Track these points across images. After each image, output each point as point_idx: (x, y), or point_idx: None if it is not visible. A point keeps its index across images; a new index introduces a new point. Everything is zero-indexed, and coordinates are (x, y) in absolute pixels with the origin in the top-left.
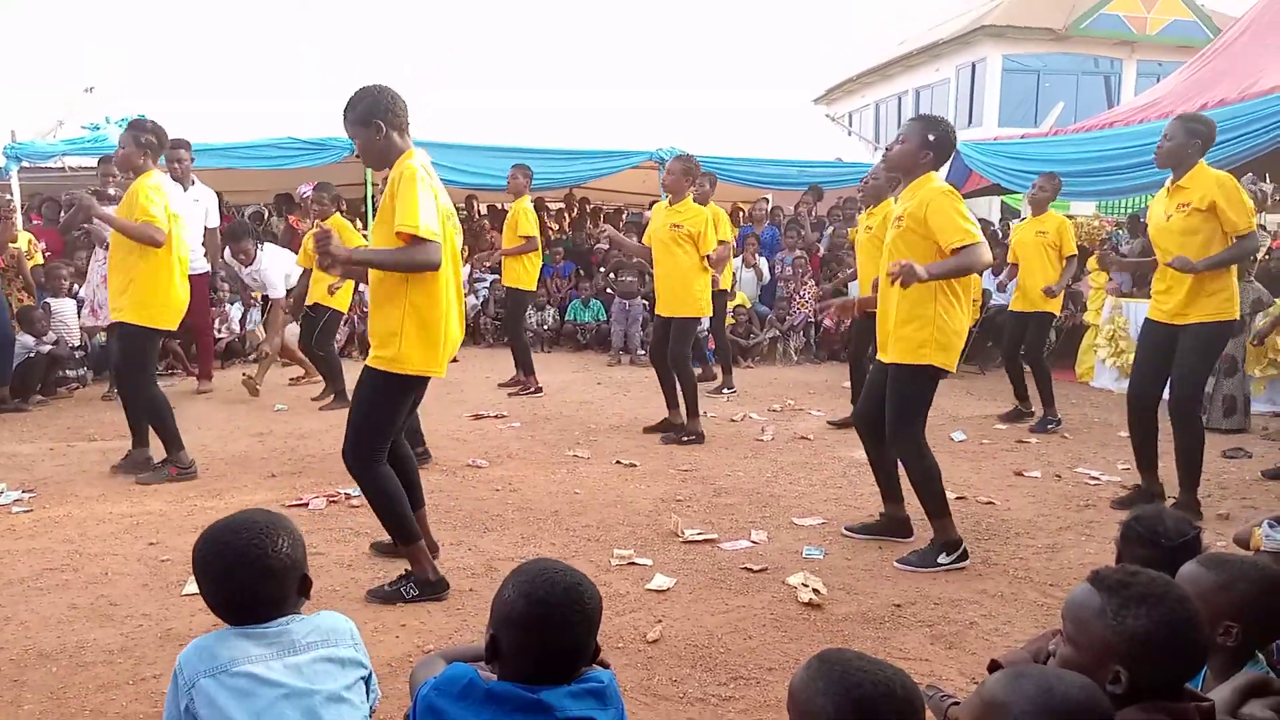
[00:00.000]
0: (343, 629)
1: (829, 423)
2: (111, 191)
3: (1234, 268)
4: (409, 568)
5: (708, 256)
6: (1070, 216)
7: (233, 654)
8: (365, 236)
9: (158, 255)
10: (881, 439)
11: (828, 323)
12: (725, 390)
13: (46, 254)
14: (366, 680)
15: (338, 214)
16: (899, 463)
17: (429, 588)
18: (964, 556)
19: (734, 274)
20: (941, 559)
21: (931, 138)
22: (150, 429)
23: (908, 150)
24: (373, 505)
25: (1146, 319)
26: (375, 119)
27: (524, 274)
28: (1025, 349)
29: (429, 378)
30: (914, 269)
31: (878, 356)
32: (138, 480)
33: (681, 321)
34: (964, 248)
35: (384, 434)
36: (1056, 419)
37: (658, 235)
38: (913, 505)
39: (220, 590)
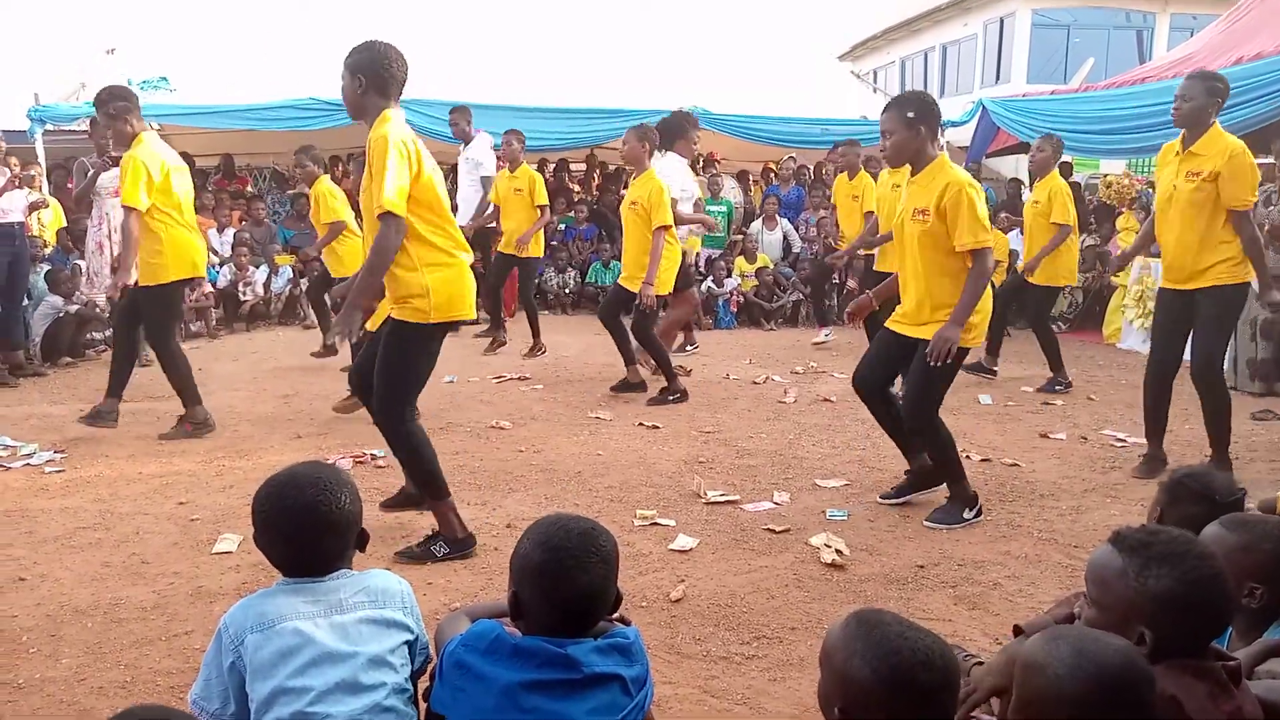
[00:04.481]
0: (394, 591)
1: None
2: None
3: None
4: (436, 527)
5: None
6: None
7: (280, 610)
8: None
9: (143, 216)
10: (884, 401)
11: (851, 284)
12: (689, 347)
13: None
14: (413, 644)
15: (325, 175)
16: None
17: (458, 545)
18: (981, 511)
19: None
20: (966, 514)
21: (911, 114)
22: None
23: (898, 140)
24: (403, 462)
25: (1160, 288)
26: (359, 72)
27: (533, 243)
28: (1028, 318)
29: (455, 323)
30: (950, 342)
31: (910, 335)
32: (160, 436)
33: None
34: (976, 252)
35: (414, 388)
36: (1065, 381)
37: (623, 211)
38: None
39: (282, 543)
